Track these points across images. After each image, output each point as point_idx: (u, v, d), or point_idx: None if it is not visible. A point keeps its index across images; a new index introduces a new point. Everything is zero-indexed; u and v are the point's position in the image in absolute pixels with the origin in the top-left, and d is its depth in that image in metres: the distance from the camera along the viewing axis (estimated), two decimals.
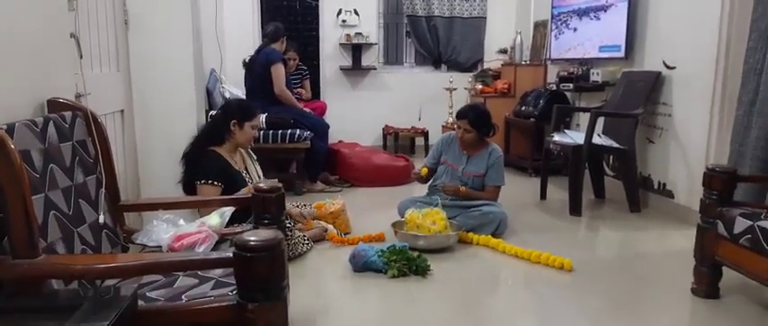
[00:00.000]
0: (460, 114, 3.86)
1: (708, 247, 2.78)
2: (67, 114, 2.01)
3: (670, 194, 4.32)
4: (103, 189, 2.09)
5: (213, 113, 3.61)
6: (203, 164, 3.15)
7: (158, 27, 3.31)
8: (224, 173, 3.17)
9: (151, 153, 3.36)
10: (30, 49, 1.97)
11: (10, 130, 1.64)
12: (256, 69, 4.98)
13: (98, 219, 2.01)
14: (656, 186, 4.47)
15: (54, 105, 2.04)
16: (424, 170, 3.87)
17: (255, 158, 3.53)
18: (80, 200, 1.93)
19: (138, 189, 3.32)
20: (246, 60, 5.25)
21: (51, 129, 1.87)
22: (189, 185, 3.18)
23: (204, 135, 3.27)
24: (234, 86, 5.30)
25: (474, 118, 3.81)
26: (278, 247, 1.47)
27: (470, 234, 3.63)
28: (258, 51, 5.13)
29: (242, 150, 3.40)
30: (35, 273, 1.52)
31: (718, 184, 2.73)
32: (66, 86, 2.23)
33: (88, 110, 2.11)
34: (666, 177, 4.37)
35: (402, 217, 3.66)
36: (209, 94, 4.74)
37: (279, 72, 4.89)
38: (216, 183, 3.12)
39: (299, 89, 5.88)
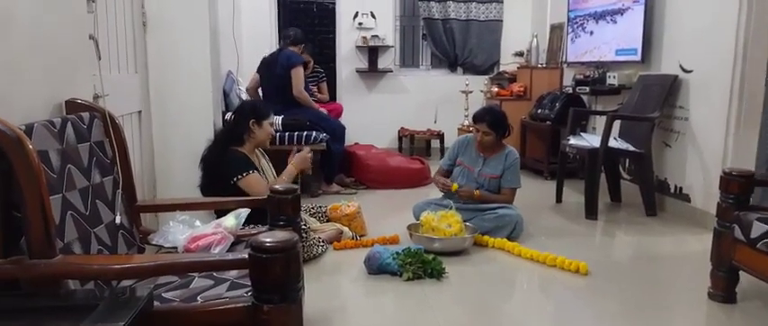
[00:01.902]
0: (478, 118, 3.84)
1: (724, 251, 2.73)
2: (85, 115, 2.02)
3: (687, 198, 4.27)
4: (120, 190, 2.09)
5: (229, 115, 3.62)
6: (233, 162, 3.18)
7: (176, 28, 3.32)
8: (254, 165, 3.23)
9: (168, 154, 3.36)
10: (49, 51, 1.98)
11: (28, 130, 1.65)
12: (276, 70, 4.99)
13: (114, 219, 2.01)
14: (672, 190, 4.42)
15: (72, 106, 2.05)
16: (455, 186, 3.79)
17: (268, 158, 3.54)
18: (97, 200, 1.93)
19: (154, 190, 3.32)
20: (266, 56, 5.25)
21: (69, 129, 1.87)
22: (209, 189, 3.17)
23: (224, 137, 3.30)
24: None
25: (492, 120, 3.79)
26: (293, 248, 1.46)
27: (486, 237, 3.60)
28: (279, 51, 5.13)
29: (257, 151, 3.41)
30: (52, 273, 1.52)
31: (736, 187, 2.69)
32: (84, 88, 2.24)
33: (106, 111, 2.12)
34: (683, 181, 4.31)
35: (417, 220, 3.65)
36: (225, 95, 4.76)
37: (299, 75, 4.93)
38: (254, 171, 3.18)
39: (313, 87, 5.84)
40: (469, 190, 3.78)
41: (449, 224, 3.43)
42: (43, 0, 1.96)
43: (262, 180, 3.19)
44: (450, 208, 3.58)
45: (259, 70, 5.23)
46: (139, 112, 3.16)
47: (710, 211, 3.54)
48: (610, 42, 5.14)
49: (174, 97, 3.35)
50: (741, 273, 2.74)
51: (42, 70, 1.94)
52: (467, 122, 6.32)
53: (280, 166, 3.60)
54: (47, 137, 1.74)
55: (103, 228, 1.93)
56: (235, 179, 3.13)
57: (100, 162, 2.01)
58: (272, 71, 5.02)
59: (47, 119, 1.82)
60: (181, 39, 3.34)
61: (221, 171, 3.16)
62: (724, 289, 2.78)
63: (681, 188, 4.34)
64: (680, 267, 3.32)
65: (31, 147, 1.51)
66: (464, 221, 3.55)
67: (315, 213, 3.78)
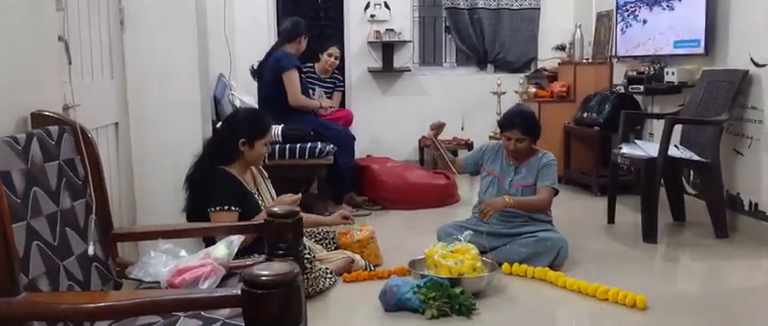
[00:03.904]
0: (507, 123, 3.83)
1: None
2: (54, 129, 2.04)
3: (764, 216, 4.23)
4: (94, 215, 2.11)
5: (220, 124, 3.61)
6: (215, 187, 3.15)
7: (158, 27, 3.35)
8: (239, 196, 3.19)
9: (149, 173, 3.39)
10: (11, 55, 2.00)
11: None
12: (265, 76, 5.00)
13: (87, 250, 2.03)
14: (746, 207, 4.38)
15: (39, 119, 2.07)
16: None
17: (267, 175, 3.55)
18: (67, 228, 1.95)
19: (133, 215, 3.35)
20: (253, 68, 5.25)
21: (35, 146, 1.90)
22: (195, 213, 3.18)
23: (210, 154, 3.27)
24: (245, 94, 5.35)
25: (525, 123, 3.79)
26: (294, 282, 1.46)
27: (523, 266, 3.58)
28: (269, 55, 5.14)
29: (253, 168, 3.42)
30: (15, 313, 1.53)
31: None
32: (52, 97, 2.26)
33: (77, 124, 2.14)
34: (759, 196, 4.27)
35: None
36: (216, 102, 4.79)
37: (292, 81, 4.89)
38: (233, 208, 3.12)
39: (327, 95, 5.77)
40: (493, 201, 3.70)
41: (460, 259, 3.33)
42: None
43: (235, 220, 3.10)
44: (466, 240, 3.47)
45: (254, 74, 5.27)
46: (116, 124, 3.19)
47: None
48: (667, 32, 5.12)
49: (156, 107, 3.38)
50: None
51: (3, 78, 1.96)
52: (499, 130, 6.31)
53: (279, 185, 3.61)
54: (9, 155, 1.77)
55: (74, 260, 1.95)
56: (208, 209, 3.11)
57: (70, 183, 2.04)
58: (263, 77, 5.05)
59: (9, 135, 1.84)
60: (164, 39, 3.37)
61: (203, 193, 3.17)
62: None
63: (756, 205, 4.30)
64: (756, 298, 3.28)
65: None
66: (494, 247, 3.53)
67: (321, 240, 3.78)
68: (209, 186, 3.15)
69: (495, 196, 3.82)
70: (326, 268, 3.43)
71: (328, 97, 5.79)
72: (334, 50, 5.67)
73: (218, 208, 3.10)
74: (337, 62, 5.77)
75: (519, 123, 3.79)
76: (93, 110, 2.76)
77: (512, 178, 3.86)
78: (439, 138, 4.06)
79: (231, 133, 3.26)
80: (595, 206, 5.17)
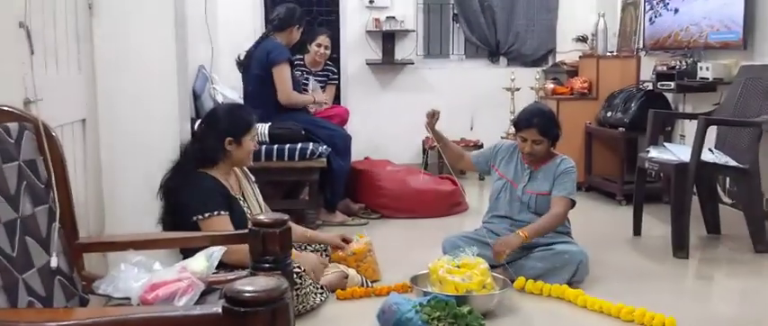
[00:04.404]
0: (524, 122, 3.83)
1: None
2: (13, 127, 2.04)
3: None
4: (57, 223, 2.11)
5: (198, 125, 3.59)
6: (200, 193, 3.15)
7: (131, 13, 3.36)
8: (227, 200, 3.20)
9: (120, 176, 3.39)
10: None
11: None
12: (253, 69, 4.99)
13: (50, 262, 2.02)
14: None
15: None
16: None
17: (253, 179, 3.54)
18: (27, 238, 1.95)
19: (102, 223, 3.35)
20: (240, 58, 5.24)
21: None
22: (174, 225, 3.18)
23: (191, 158, 3.26)
24: (228, 88, 5.34)
25: (543, 123, 3.78)
26: (281, 299, 1.46)
27: (539, 283, 3.58)
28: (257, 45, 5.12)
29: (237, 170, 3.42)
30: None
31: None
32: (11, 91, 2.27)
33: (40, 121, 2.14)
34: None
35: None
36: (196, 97, 4.79)
37: (283, 76, 4.88)
38: (222, 212, 3.13)
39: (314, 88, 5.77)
40: (507, 240, 3.63)
41: (468, 275, 3.33)
42: None
43: (229, 225, 3.12)
44: (473, 253, 3.46)
45: (240, 66, 5.23)
46: (83, 120, 3.19)
47: None
48: (700, 22, 5.13)
49: (128, 102, 3.38)
50: None
51: None
52: (513, 130, 6.31)
53: (266, 191, 3.61)
54: None
55: (35, 273, 1.94)
56: (196, 217, 3.10)
57: (31, 187, 2.03)
58: (250, 71, 5.04)
59: None
60: (137, 26, 3.38)
61: (184, 201, 3.17)
62: None
63: None
64: None
65: None
66: (509, 262, 3.53)
67: (312, 252, 3.78)
68: (193, 193, 3.15)
69: (507, 208, 3.86)
70: (318, 284, 3.43)
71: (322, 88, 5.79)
72: (322, 40, 5.66)
73: (207, 215, 3.10)
74: (328, 52, 5.76)
75: (537, 123, 3.78)
76: (58, 105, 2.76)
77: (525, 184, 3.86)
78: (437, 128, 4.04)
79: (215, 133, 3.25)
80: (620, 216, 5.17)
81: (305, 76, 5.63)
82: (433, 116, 4.05)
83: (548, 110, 3.98)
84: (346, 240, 3.78)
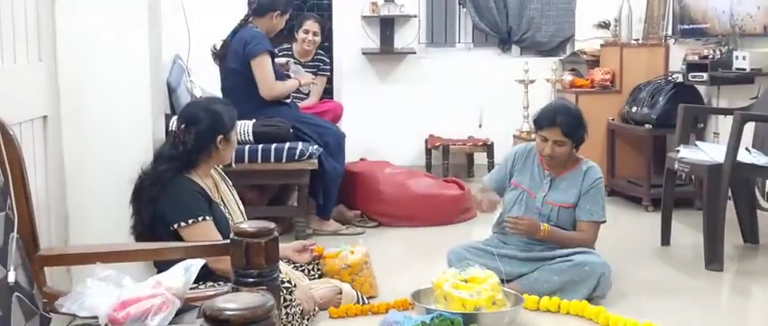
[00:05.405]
0: (546, 120, 3.80)
1: None
2: None
3: None
4: (15, 233, 2.11)
5: (173, 122, 3.58)
6: (181, 197, 3.15)
7: None
8: (209, 206, 3.21)
9: (86, 180, 3.38)
10: None
11: None
12: (229, 62, 4.97)
13: (6, 277, 2.02)
14: None
15: None
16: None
17: (231, 183, 3.54)
18: None
19: (65, 232, 3.35)
20: (216, 48, 5.21)
21: None
22: (147, 234, 3.17)
23: (167, 159, 3.24)
24: (207, 81, 5.33)
25: (568, 122, 3.76)
26: (266, 318, 1.46)
27: (555, 298, 3.58)
28: (234, 33, 5.08)
29: (213, 173, 3.42)
30: None
31: None
32: None
33: None
34: None
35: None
36: (171, 91, 4.79)
37: (263, 69, 4.86)
38: (207, 217, 3.14)
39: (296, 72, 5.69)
40: (531, 222, 3.73)
41: (477, 291, 3.33)
42: None
43: (214, 232, 3.12)
44: (489, 260, 3.47)
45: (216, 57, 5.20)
46: (44, 118, 3.18)
47: None
48: (736, 6, 5.13)
49: (95, 96, 3.38)
50: None
51: None
52: (527, 127, 6.32)
53: (247, 194, 3.60)
54: None
55: None
56: (177, 225, 3.11)
57: None
58: (226, 63, 5.02)
59: None
60: (105, 12, 3.37)
61: (161, 208, 3.16)
62: None
63: None
64: None
65: None
66: (519, 276, 3.52)
67: (301, 264, 3.78)
68: (172, 198, 3.15)
69: (525, 214, 3.81)
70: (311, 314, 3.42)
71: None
72: (310, 25, 5.65)
73: (191, 221, 3.10)
74: (318, 40, 5.76)
75: (561, 122, 3.74)
76: (15, 100, 2.76)
77: (546, 194, 3.82)
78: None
79: (202, 132, 3.24)
80: (646, 223, 5.19)
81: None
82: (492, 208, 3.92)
83: (574, 108, 3.97)
84: (316, 252, 3.75)
